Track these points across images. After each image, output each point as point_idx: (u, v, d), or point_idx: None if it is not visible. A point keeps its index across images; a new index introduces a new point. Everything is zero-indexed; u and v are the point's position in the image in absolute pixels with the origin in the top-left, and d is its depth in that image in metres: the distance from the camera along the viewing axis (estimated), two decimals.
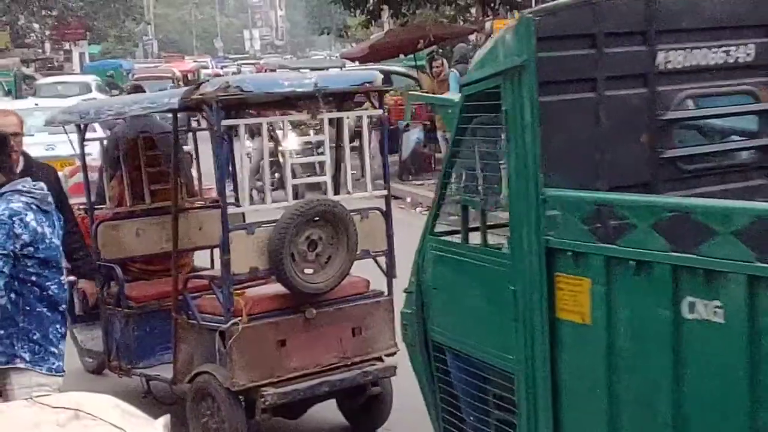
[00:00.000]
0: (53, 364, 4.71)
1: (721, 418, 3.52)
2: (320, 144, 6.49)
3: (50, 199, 4.72)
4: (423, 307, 5.04)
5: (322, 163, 6.85)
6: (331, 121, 6.57)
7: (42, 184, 4.74)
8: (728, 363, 3.46)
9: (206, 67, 49.03)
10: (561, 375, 4.15)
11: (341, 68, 21.53)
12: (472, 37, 22.12)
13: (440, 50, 20.17)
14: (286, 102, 6.66)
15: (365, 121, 6.63)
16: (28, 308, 4.63)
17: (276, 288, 6.33)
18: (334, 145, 6.86)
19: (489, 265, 4.50)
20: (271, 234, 6.07)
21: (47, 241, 4.62)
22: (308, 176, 7.74)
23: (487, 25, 20.92)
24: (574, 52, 4.23)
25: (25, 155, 6.14)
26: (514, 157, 4.18)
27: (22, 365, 4.65)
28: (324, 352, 6.35)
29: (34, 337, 4.65)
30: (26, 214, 4.55)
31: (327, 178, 6.54)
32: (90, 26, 49.39)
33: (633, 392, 3.85)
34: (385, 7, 22.52)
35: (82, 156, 7.21)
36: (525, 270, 4.18)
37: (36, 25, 47.76)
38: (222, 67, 52.14)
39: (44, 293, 4.65)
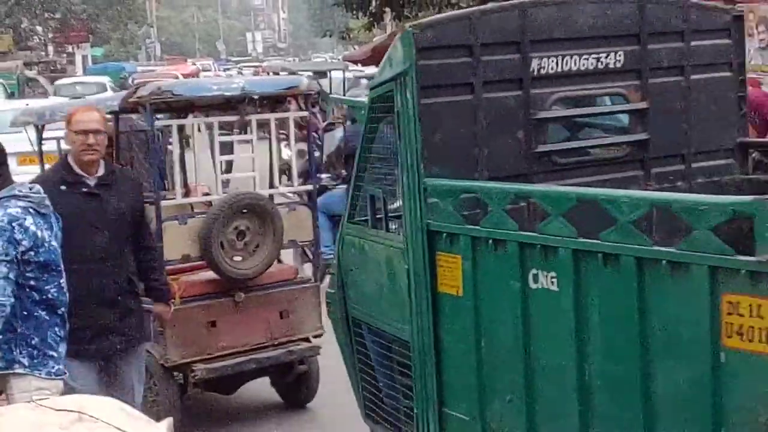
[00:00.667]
0: (52, 367, 4.69)
1: (558, 374, 4.14)
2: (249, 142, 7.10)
3: (47, 201, 4.71)
4: (343, 285, 5.66)
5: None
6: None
7: (38, 187, 4.77)
8: (562, 325, 4.07)
9: (208, 70, 49.53)
10: (443, 341, 4.76)
11: (343, 71, 21.83)
12: None
13: None
14: (227, 105, 7.29)
15: (291, 123, 7.21)
16: (25, 313, 4.63)
17: (209, 274, 6.92)
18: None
19: (389, 247, 5.12)
20: (202, 224, 6.67)
21: (46, 244, 4.63)
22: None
23: None
24: (452, 61, 4.79)
25: (107, 162, 5.69)
26: (403, 151, 4.79)
27: (21, 370, 4.65)
28: (252, 332, 6.92)
29: (33, 342, 4.65)
30: (25, 219, 4.55)
31: (255, 174, 7.12)
32: (93, 29, 49.68)
33: (494, 354, 4.46)
34: (388, 9, 22.51)
35: (40, 153, 7.78)
36: (414, 250, 4.80)
37: (39, 28, 48.01)
38: (224, 70, 52.61)
39: (43, 297, 4.65)
